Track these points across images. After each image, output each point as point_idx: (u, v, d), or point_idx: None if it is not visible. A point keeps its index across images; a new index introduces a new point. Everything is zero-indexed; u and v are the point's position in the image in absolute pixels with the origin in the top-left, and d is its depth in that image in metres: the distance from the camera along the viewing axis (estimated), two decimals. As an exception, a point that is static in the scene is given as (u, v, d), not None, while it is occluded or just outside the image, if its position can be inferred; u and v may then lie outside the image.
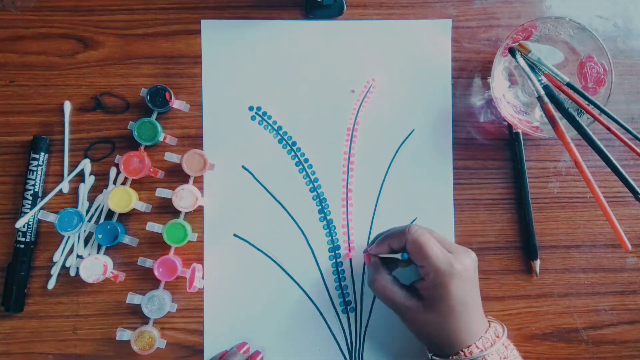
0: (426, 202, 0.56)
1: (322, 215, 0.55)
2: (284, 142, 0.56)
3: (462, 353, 0.45)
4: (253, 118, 0.56)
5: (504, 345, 0.47)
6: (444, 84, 0.56)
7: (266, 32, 0.56)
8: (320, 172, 0.56)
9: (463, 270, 0.46)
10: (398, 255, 0.48)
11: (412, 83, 0.56)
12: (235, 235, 0.55)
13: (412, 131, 0.56)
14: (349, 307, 0.55)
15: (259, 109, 0.56)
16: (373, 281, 0.49)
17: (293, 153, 0.56)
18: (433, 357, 0.48)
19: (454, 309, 0.46)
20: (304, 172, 0.56)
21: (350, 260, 0.55)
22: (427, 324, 0.47)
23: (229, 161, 0.55)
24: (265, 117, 0.56)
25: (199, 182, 0.55)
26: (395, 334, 0.55)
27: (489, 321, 0.49)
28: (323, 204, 0.55)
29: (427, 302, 0.46)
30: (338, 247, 0.55)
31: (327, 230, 0.55)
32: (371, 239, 0.54)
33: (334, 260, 0.55)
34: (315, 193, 0.56)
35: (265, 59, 0.56)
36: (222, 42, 0.56)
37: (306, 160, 0.56)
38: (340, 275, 0.55)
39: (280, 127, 0.56)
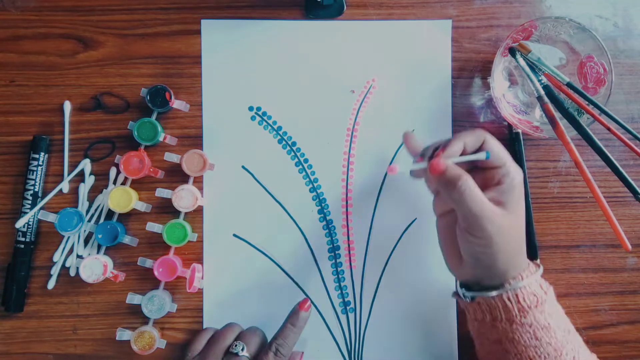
0: (426, 203, 0.56)
1: (322, 215, 0.55)
2: (284, 142, 0.56)
3: (504, 285, 0.44)
4: (253, 118, 0.56)
5: (540, 284, 0.46)
6: (444, 84, 0.56)
7: (266, 32, 0.56)
8: (320, 173, 0.56)
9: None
10: (482, 155, 0.44)
11: (412, 83, 0.56)
12: (234, 235, 0.55)
13: (412, 131, 0.56)
14: (348, 308, 0.55)
15: (258, 109, 0.56)
16: (460, 184, 0.42)
17: (293, 153, 0.56)
18: (466, 293, 0.47)
19: (523, 213, 0.45)
20: (304, 173, 0.56)
21: (350, 261, 0.55)
22: (509, 229, 0.43)
23: (228, 161, 0.55)
24: (265, 117, 0.56)
25: (198, 181, 0.55)
26: (394, 335, 0.55)
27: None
28: (323, 205, 0.55)
29: (508, 205, 0.44)
30: (338, 248, 0.55)
31: (327, 230, 0.55)
32: (423, 151, 0.49)
33: (333, 261, 0.55)
34: (315, 193, 0.56)
35: (266, 59, 0.56)
36: (222, 42, 0.56)
37: (306, 161, 0.56)
38: (340, 276, 0.55)
39: (280, 127, 0.56)
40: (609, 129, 0.50)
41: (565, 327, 0.46)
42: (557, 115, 0.50)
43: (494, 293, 0.45)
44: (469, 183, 0.43)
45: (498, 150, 0.45)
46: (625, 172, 0.47)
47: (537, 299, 0.44)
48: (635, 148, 0.49)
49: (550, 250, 0.56)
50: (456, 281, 0.50)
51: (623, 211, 0.56)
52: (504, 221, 0.43)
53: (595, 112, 0.51)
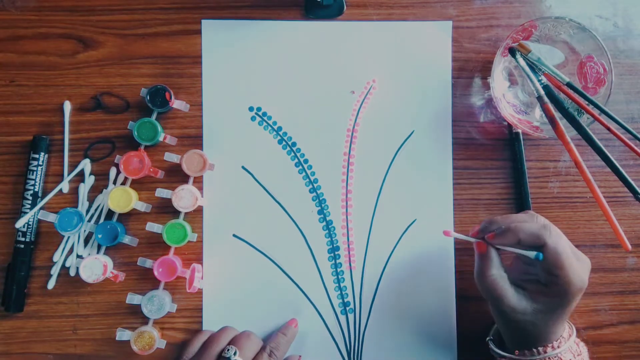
0: (426, 203, 0.56)
1: (322, 216, 0.55)
2: (284, 142, 0.56)
3: (535, 351, 0.46)
4: (253, 118, 0.56)
5: (576, 342, 0.48)
6: (444, 85, 0.56)
7: (267, 32, 0.56)
8: (320, 173, 0.56)
9: (586, 284, 0.45)
10: (531, 254, 0.44)
11: (412, 84, 0.56)
12: (234, 235, 0.55)
13: (412, 132, 0.56)
14: (347, 309, 0.55)
15: (259, 109, 0.56)
16: (487, 275, 0.47)
17: (293, 154, 0.56)
18: (496, 350, 0.49)
19: (562, 317, 0.46)
20: (304, 173, 0.56)
21: (350, 262, 0.55)
22: (526, 326, 0.46)
23: (228, 161, 0.55)
24: (265, 118, 0.56)
25: (198, 181, 0.55)
26: (393, 336, 0.55)
27: None
28: (322, 205, 0.55)
29: (540, 307, 0.45)
30: (337, 248, 0.55)
31: (327, 231, 0.55)
32: (482, 225, 0.49)
33: (333, 261, 0.55)
34: (314, 194, 0.56)
35: (266, 59, 0.56)
36: (222, 42, 0.56)
37: (306, 161, 0.56)
38: (340, 276, 0.55)
39: (280, 128, 0.56)
40: (609, 129, 0.50)
41: None
42: (557, 115, 0.50)
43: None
44: (497, 274, 0.47)
45: (553, 260, 0.44)
46: (625, 172, 0.47)
47: None
48: (635, 148, 0.49)
49: (550, 250, 0.56)
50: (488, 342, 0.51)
51: (623, 211, 0.56)
52: (521, 317, 0.45)
53: (595, 112, 0.51)
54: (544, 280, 0.45)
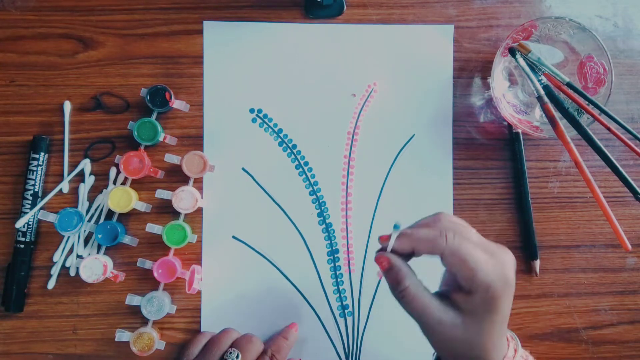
0: (426, 205, 0.56)
1: (322, 218, 0.55)
2: (285, 144, 0.56)
3: None
4: (254, 120, 0.56)
5: (522, 357, 0.43)
6: (445, 89, 0.56)
7: (268, 34, 0.56)
8: (320, 176, 0.56)
9: (512, 279, 0.40)
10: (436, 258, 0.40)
11: (413, 88, 0.56)
12: (234, 237, 0.55)
13: (413, 136, 0.56)
14: (346, 311, 0.55)
15: (259, 111, 0.56)
16: (400, 289, 0.40)
17: (293, 156, 0.56)
18: None
19: (495, 325, 0.39)
20: (304, 175, 0.56)
21: (349, 265, 0.55)
22: (460, 341, 0.39)
23: (229, 163, 0.55)
24: (266, 120, 0.56)
25: (198, 182, 0.55)
26: (392, 339, 0.55)
27: None
28: (322, 208, 0.55)
29: (468, 316, 0.39)
30: (337, 251, 0.55)
31: (326, 233, 0.55)
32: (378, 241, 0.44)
33: (332, 264, 0.55)
34: (314, 196, 0.56)
35: (267, 61, 0.56)
36: (224, 44, 0.56)
37: (306, 164, 0.56)
38: (339, 279, 0.55)
39: (280, 130, 0.56)
40: (609, 129, 0.50)
41: None
42: (557, 115, 0.50)
43: None
44: (413, 285, 0.40)
45: (458, 266, 0.39)
46: (625, 172, 0.47)
47: None
48: (635, 148, 0.49)
49: (550, 250, 0.56)
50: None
51: (623, 211, 0.56)
52: (452, 332, 0.39)
53: (595, 112, 0.51)
54: (465, 286, 0.39)
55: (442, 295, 0.41)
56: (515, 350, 0.42)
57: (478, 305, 0.39)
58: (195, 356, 0.50)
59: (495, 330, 0.40)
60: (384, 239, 0.41)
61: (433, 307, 0.40)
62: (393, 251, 0.41)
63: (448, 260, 0.39)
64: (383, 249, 0.42)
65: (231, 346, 0.50)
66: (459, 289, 0.40)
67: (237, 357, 0.48)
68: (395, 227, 0.40)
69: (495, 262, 0.39)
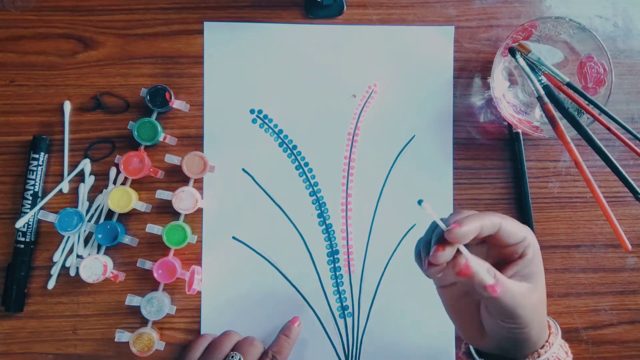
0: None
1: (322, 219, 0.55)
2: (285, 145, 0.56)
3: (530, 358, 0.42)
4: (254, 121, 0.56)
5: (561, 346, 0.44)
6: (445, 90, 0.56)
7: (269, 35, 0.56)
8: (321, 177, 0.56)
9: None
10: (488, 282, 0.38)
11: (414, 89, 0.56)
12: (234, 237, 0.55)
13: (413, 137, 0.56)
14: (346, 312, 0.55)
15: (260, 112, 0.56)
16: (498, 288, 0.38)
17: (293, 157, 0.56)
18: None
19: (543, 278, 0.42)
20: (304, 176, 0.56)
21: (349, 266, 0.55)
22: (539, 303, 0.41)
23: (229, 164, 0.55)
24: (267, 121, 0.56)
25: (198, 183, 0.55)
26: (392, 340, 0.55)
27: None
28: (322, 209, 0.55)
29: (534, 278, 0.40)
30: (337, 252, 0.55)
31: (326, 234, 0.55)
32: (421, 247, 0.43)
33: (332, 265, 0.55)
34: (314, 197, 0.55)
35: (268, 62, 0.56)
36: (224, 44, 0.56)
37: (306, 164, 0.56)
38: (339, 280, 0.55)
39: (281, 131, 0.56)
40: (609, 129, 0.50)
41: None
42: (557, 115, 0.50)
43: None
44: (504, 279, 0.39)
45: (516, 231, 0.39)
46: (625, 172, 0.47)
47: None
48: (635, 148, 0.49)
49: (550, 250, 0.56)
50: (467, 346, 0.47)
51: (623, 211, 0.56)
52: (534, 298, 0.40)
53: (595, 112, 0.51)
54: (518, 250, 0.40)
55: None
56: (555, 336, 0.44)
57: (533, 265, 0.40)
58: (197, 359, 0.50)
59: (544, 288, 0.42)
60: (441, 249, 0.38)
61: (517, 287, 0.39)
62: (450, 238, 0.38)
63: (509, 231, 0.39)
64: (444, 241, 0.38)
65: (233, 349, 0.50)
66: (514, 258, 0.40)
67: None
68: (420, 202, 0.38)
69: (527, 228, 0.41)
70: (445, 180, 0.56)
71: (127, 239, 0.54)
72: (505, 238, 0.39)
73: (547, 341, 0.43)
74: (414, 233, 0.55)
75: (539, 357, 0.42)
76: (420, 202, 0.38)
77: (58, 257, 0.54)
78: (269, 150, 0.56)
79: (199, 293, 0.54)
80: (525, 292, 0.40)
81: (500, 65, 0.54)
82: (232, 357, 0.49)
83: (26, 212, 0.53)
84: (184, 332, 0.54)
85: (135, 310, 0.54)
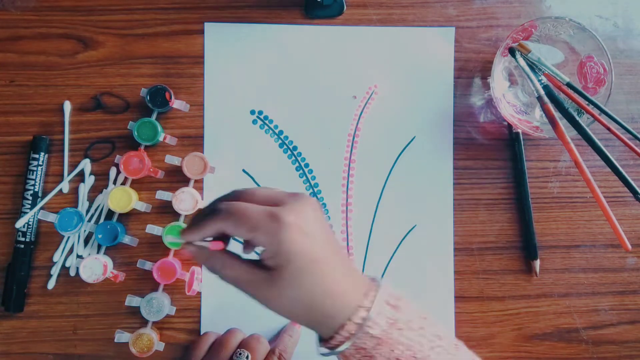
0: (426, 206, 0.56)
1: (322, 219, 0.55)
2: (285, 146, 0.56)
3: (337, 336, 0.37)
4: (254, 122, 0.56)
5: (389, 303, 0.38)
6: (446, 91, 0.56)
7: (270, 36, 0.56)
8: (321, 178, 0.56)
9: (296, 220, 0.36)
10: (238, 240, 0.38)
11: (414, 90, 0.56)
12: (234, 238, 0.55)
13: (414, 138, 0.56)
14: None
15: (260, 112, 0.56)
16: (210, 264, 0.39)
17: (294, 158, 0.56)
18: (320, 348, 0.38)
19: (305, 270, 0.36)
20: (304, 177, 0.56)
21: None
22: (282, 297, 0.37)
23: (229, 164, 0.55)
24: (267, 121, 0.56)
25: (198, 183, 0.55)
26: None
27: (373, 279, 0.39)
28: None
29: (275, 271, 0.37)
30: (337, 250, 0.55)
31: (327, 234, 0.55)
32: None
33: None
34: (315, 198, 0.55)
35: (268, 63, 0.56)
36: (225, 45, 0.56)
37: (307, 165, 0.56)
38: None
39: (281, 132, 0.56)
40: (609, 129, 0.50)
41: (433, 333, 0.39)
42: (557, 115, 0.50)
43: (342, 348, 0.37)
44: (218, 262, 0.39)
45: (235, 223, 0.37)
46: (625, 172, 0.47)
47: (389, 323, 0.37)
48: (635, 148, 0.49)
49: (550, 250, 0.56)
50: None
51: (623, 211, 0.56)
52: (269, 290, 0.37)
53: (595, 112, 0.51)
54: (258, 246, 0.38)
55: (257, 262, 0.39)
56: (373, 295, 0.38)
57: (274, 257, 0.37)
58: (202, 358, 0.49)
59: (309, 275, 0.36)
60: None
61: (241, 269, 0.39)
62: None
63: (228, 223, 0.37)
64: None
65: (239, 346, 0.49)
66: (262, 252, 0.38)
67: (247, 357, 0.48)
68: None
69: (271, 209, 0.37)
70: (445, 180, 0.56)
71: (127, 239, 0.54)
72: (237, 236, 0.38)
73: (349, 319, 0.37)
74: (414, 234, 0.55)
75: (350, 333, 0.37)
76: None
77: (58, 257, 0.54)
78: (269, 151, 0.56)
79: (199, 294, 0.54)
80: (255, 278, 0.38)
81: (500, 65, 0.54)
82: (240, 354, 0.48)
83: (26, 212, 0.53)
84: (183, 333, 0.54)
85: (135, 311, 0.54)
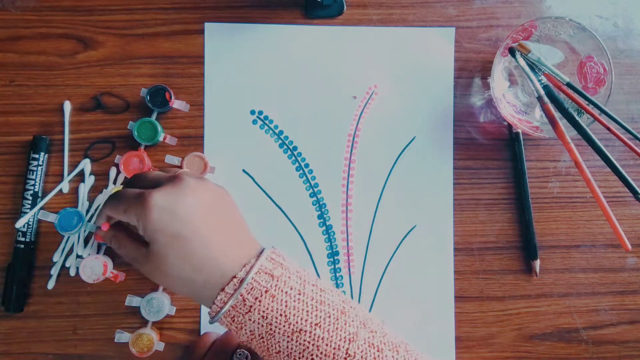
0: (426, 206, 0.56)
1: (322, 220, 0.55)
2: (285, 146, 0.56)
3: (214, 306, 0.39)
4: (254, 122, 0.56)
5: (266, 271, 0.40)
6: (446, 91, 0.56)
7: (270, 37, 0.56)
8: (321, 178, 0.56)
9: (161, 201, 0.39)
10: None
11: (414, 90, 0.56)
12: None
13: (414, 138, 0.56)
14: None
15: (260, 113, 0.56)
16: (111, 243, 0.44)
17: (294, 158, 0.56)
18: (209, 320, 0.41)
19: (168, 246, 0.39)
20: (304, 177, 0.56)
21: (349, 267, 0.55)
22: (158, 271, 0.40)
23: (229, 165, 0.55)
24: (267, 122, 0.56)
25: (199, 182, 0.55)
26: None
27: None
28: (323, 210, 0.55)
29: (148, 248, 0.40)
30: (337, 253, 0.55)
31: (326, 235, 0.55)
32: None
33: (332, 266, 0.55)
34: (315, 198, 0.55)
35: (269, 63, 0.56)
36: (225, 45, 0.56)
37: (307, 165, 0.56)
38: (338, 281, 0.55)
39: (281, 132, 0.56)
40: (609, 129, 0.50)
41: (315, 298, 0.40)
42: (557, 115, 0.50)
43: (217, 317, 0.40)
44: (115, 242, 0.44)
45: (118, 215, 0.42)
46: (625, 172, 0.47)
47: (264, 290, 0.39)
48: (635, 148, 0.49)
49: (550, 250, 0.56)
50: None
51: (623, 211, 0.56)
52: (147, 264, 0.41)
53: (595, 112, 0.51)
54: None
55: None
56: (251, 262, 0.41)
57: (144, 233, 0.41)
58: (202, 358, 0.50)
59: (178, 248, 0.40)
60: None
61: (129, 246, 0.43)
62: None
63: (112, 209, 0.43)
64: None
65: (239, 347, 0.50)
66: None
67: (246, 358, 0.48)
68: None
69: (139, 192, 0.41)
70: (445, 180, 0.56)
71: (127, 239, 0.54)
72: (118, 218, 0.43)
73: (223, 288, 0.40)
74: (414, 234, 0.55)
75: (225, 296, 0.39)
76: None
77: (58, 257, 0.54)
78: (269, 152, 0.56)
79: (199, 293, 0.54)
80: (138, 255, 0.42)
81: (500, 65, 0.54)
82: (240, 354, 0.48)
83: (26, 212, 0.53)
84: (183, 333, 0.54)
85: (135, 311, 0.54)
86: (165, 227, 0.40)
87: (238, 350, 0.49)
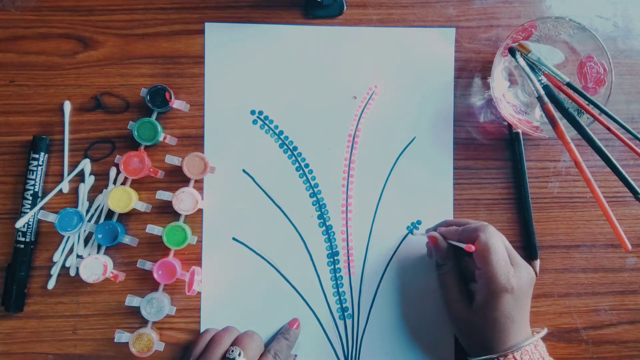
0: (426, 207, 0.56)
1: (322, 220, 0.55)
2: (285, 146, 0.56)
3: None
4: (255, 122, 0.56)
5: (534, 344, 0.48)
6: (446, 92, 0.56)
7: (270, 37, 0.56)
8: (321, 178, 0.56)
9: (517, 287, 0.47)
10: (463, 245, 0.48)
11: (414, 91, 0.56)
12: (234, 239, 0.55)
13: (414, 139, 0.56)
14: (346, 314, 0.55)
15: (260, 113, 0.56)
16: (442, 266, 0.51)
17: (294, 158, 0.56)
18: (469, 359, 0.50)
19: (498, 321, 0.47)
20: (305, 177, 0.56)
21: (349, 267, 0.55)
22: (465, 322, 0.48)
23: (229, 165, 0.55)
24: (267, 122, 0.56)
25: (199, 183, 0.55)
26: (391, 341, 0.55)
27: (534, 331, 0.50)
28: (323, 210, 0.55)
29: (476, 305, 0.48)
30: (337, 254, 0.55)
31: (326, 235, 0.55)
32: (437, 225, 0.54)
33: (332, 266, 0.55)
34: (315, 198, 0.55)
35: (269, 63, 0.56)
36: (225, 45, 0.56)
37: (307, 166, 0.56)
38: (338, 282, 0.55)
39: (281, 132, 0.56)
40: (609, 129, 0.50)
41: None
42: (557, 115, 0.50)
43: None
44: (452, 267, 0.51)
45: (481, 253, 0.47)
46: (625, 172, 0.47)
47: None
48: (635, 148, 0.49)
49: (550, 250, 0.56)
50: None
51: (623, 211, 0.56)
52: (463, 315, 0.48)
53: (595, 112, 0.51)
54: (475, 277, 0.48)
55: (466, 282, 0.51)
56: (536, 347, 0.48)
57: (482, 295, 0.47)
58: (199, 355, 0.50)
59: (499, 325, 0.47)
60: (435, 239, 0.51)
61: (457, 288, 0.50)
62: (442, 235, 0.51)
63: (478, 246, 0.47)
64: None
65: (233, 344, 0.50)
66: (473, 282, 0.49)
67: (239, 354, 0.48)
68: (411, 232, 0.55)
69: (511, 268, 0.47)
70: (446, 181, 0.56)
71: (127, 239, 0.54)
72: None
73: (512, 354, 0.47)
74: (414, 235, 0.55)
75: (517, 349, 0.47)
76: (411, 231, 0.55)
77: (58, 257, 0.54)
78: (269, 152, 0.56)
79: (199, 294, 0.54)
80: (460, 305, 0.49)
81: (500, 65, 0.54)
82: (232, 351, 0.49)
83: (26, 212, 0.53)
84: (183, 333, 0.54)
85: (135, 311, 0.54)
86: (505, 277, 0.47)
87: (231, 347, 0.49)
